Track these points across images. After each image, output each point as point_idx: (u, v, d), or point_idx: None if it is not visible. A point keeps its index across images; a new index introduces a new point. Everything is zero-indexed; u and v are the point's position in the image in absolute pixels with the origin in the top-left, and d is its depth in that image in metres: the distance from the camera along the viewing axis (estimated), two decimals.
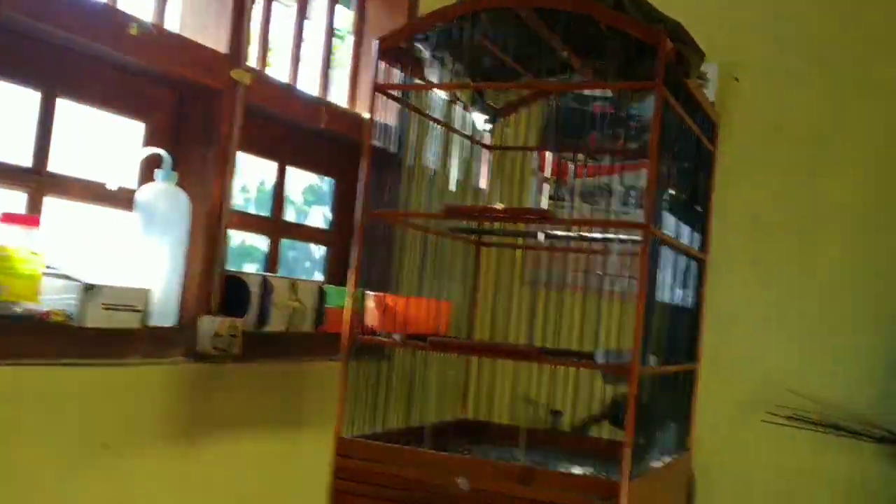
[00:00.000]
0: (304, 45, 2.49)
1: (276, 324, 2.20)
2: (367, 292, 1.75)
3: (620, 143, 2.88)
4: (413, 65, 1.74)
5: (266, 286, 2.17)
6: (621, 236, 1.62)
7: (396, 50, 1.72)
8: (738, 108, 2.88)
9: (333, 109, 2.49)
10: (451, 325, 1.89)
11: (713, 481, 2.80)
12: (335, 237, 2.67)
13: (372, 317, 1.72)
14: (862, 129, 2.79)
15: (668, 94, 1.59)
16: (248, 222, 2.41)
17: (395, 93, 1.71)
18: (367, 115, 1.70)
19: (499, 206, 1.56)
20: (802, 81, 2.87)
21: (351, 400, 1.70)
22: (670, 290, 1.75)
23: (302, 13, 2.50)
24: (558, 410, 2.86)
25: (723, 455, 2.82)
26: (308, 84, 2.50)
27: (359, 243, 1.69)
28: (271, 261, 2.47)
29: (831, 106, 2.83)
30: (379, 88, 1.70)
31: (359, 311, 1.70)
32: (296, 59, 2.46)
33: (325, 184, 2.69)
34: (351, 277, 1.70)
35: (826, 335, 2.77)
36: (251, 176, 2.48)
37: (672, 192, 1.75)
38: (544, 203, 3.02)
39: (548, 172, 3.04)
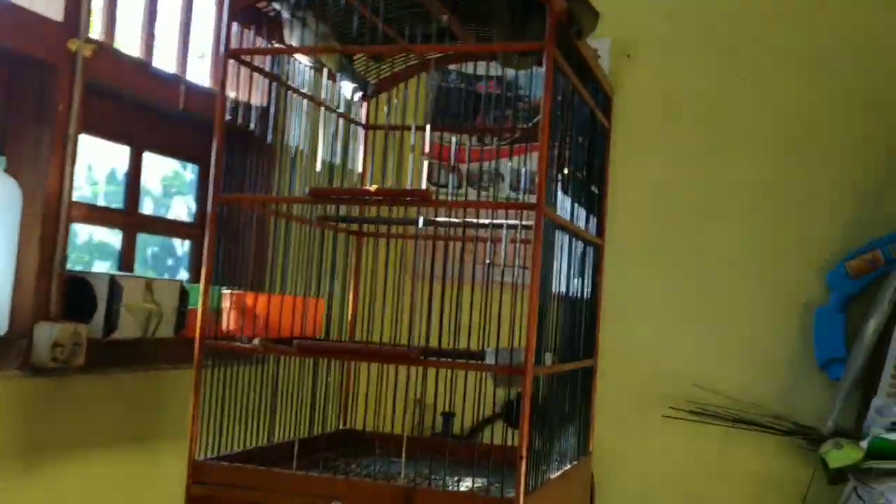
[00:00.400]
0: (159, 17, 2.23)
1: (128, 329, 1.95)
2: (225, 291, 1.52)
3: (509, 125, 2.71)
4: (273, 28, 1.52)
5: (114, 287, 1.91)
6: (511, 221, 1.43)
7: (252, 11, 1.50)
8: (631, 87, 2.74)
9: (194, 88, 2.24)
10: (325, 325, 1.67)
11: (614, 482, 2.65)
12: (201, 230, 2.42)
13: (229, 319, 1.49)
14: (761, 106, 2.67)
15: (560, 57, 1.41)
16: (96, 215, 2.14)
17: (258, 63, 1.49)
18: (230, 89, 1.47)
19: (372, 188, 1.35)
20: (699, 58, 2.74)
21: (207, 416, 1.47)
22: (566, 280, 1.58)
23: None
24: (450, 413, 2.69)
25: (624, 454, 2.68)
26: (165, 60, 2.24)
27: (210, 234, 1.47)
28: (126, 258, 2.21)
29: (729, 83, 2.70)
30: (232, 54, 1.48)
31: (212, 312, 1.47)
32: (149, 32, 2.20)
33: (189, 171, 2.43)
34: (203, 273, 1.47)
35: (729, 324, 2.65)
36: (101, 163, 2.21)
37: (566, 171, 1.57)
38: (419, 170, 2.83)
39: (433, 156, 2.85)
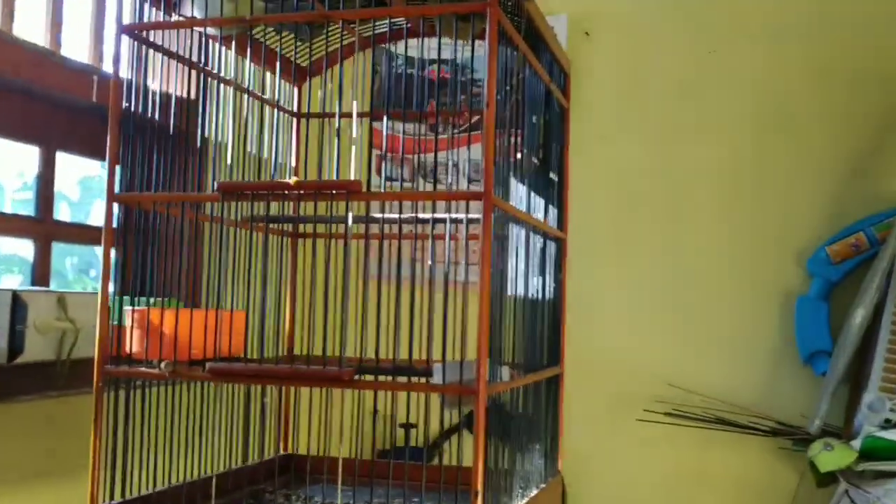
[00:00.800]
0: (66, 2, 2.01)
1: (36, 351, 1.73)
2: (126, 308, 1.30)
3: (464, 112, 2.51)
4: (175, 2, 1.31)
5: (17, 304, 1.69)
6: (458, 215, 1.23)
7: None
8: (592, 66, 2.55)
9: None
10: (258, 340, 1.47)
11: (588, 492, 2.46)
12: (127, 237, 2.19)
13: (132, 340, 1.28)
14: (732, 82, 2.48)
15: (506, 20, 1.21)
16: (3, 224, 1.92)
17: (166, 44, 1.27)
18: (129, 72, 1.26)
19: (292, 180, 1.15)
20: (663, 32, 2.55)
21: (113, 450, 1.26)
22: (524, 280, 1.38)
23: None
24: (410, 424, 2.48)
25: (598, 462, 2.49)
26: (77, 48, 2.02)
27: (106, 239, 1.25)
28: (39, 271, 1.99)
29: (697, 58, 2.52)
30: (126, 30, 1.27)
31: (109, 332, 1.26)
32: (56, 18, 1.98)
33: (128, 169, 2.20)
34: (100, 287, 1.26)
35: (704, 318, 2.46)
36: (6, 166, 1.99)
37: (519, 155, 1.38)
38: (378, 185, 2.62)
39: (378, 147, 2.65)
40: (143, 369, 1.24)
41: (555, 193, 1.58)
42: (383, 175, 2.66)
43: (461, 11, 1.17)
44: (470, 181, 2.60)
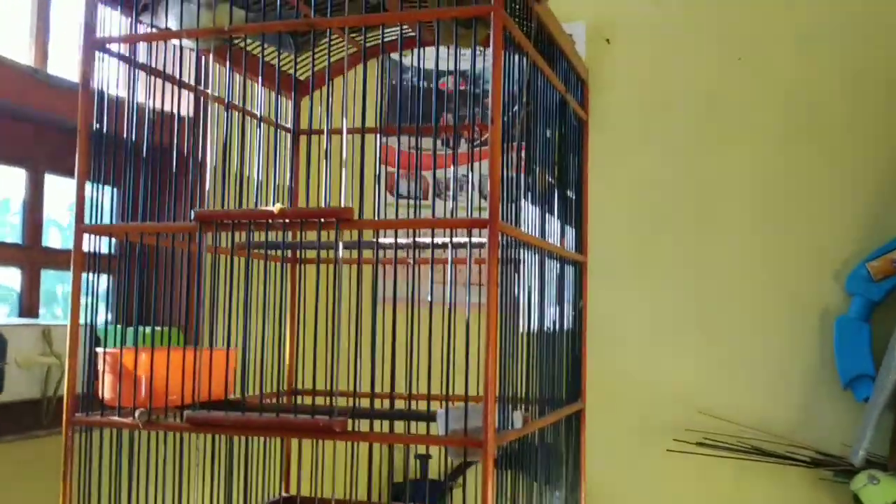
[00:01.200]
0: (53, 15, 1.90)
1: (18, 389, 1.62)
2: (97, 350, 1.18)
3: (479, 125, 2.39)
4: (152, 10, 1.19)
5: None
6: (461, 239, 1.10)
7: None
8: (612, 76, 2.41)
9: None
10: (257, 378, 1.34)
11: None
12: (122, 263, 2.08)
13: (104, 385, 1.16)
14: (761, 91, 2.34)
15: (513, 25, 1.08)
16: None
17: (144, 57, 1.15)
18: (121, 92, 1.15)
19: (275, 207, 1.02)
20: (687, 39, 2.41)
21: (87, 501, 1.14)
22: (540, 310, 1.24)
23: None
24: (426, 455, 2.35)
25: (623, 497, 2.34)
26: (65, 66, 1.91)
27: (75, 273, 1.14)
28: (28, 301, 1.88)
29: (723, 66, 2.37)
30: (95, 43, 1.15)
31: (79, 376, 1.14)
32: (41, 35, 1.87)
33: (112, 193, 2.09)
34: (69, 326, 1.15)
35: (736, 341, 2.31)
36: None
37: (532, 172, 1.25)
38: (384, 207, 2.50)
39: (391, 166, 2.53)
40: (115, 418, 1.12)
41: (573, 213, 1.45)
42: (396, 194, 2.54)
43: (463, 16, 1.04)
44: (484, 197, 2.48)
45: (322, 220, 1.05)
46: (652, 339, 2.37)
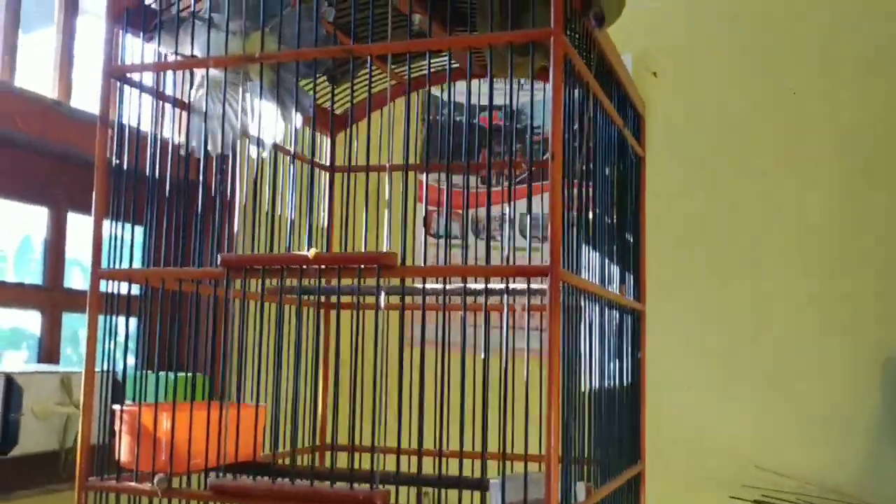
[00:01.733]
0: (78, 47, 1.82)
1: (35, 441, 1.52)
2: (115, 407, 1.08)
3: (519, 161, 2.28)
4: (175, 34, 1.09)
5: (12, 388, 1.48)
6: (518, 285, 0.99)
7: (143, 11, 1.08)
8: (659, 110, 2.30)
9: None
10: (290, 437, 1.23)
11: None
12: (147, 305, 1.98)
13: (121, 447, 1.06)
14: (818, 124, 2.21)
15: (573, 51, 0.98)
16: (6, 294, 1.72)
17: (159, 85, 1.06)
18: (135, 123, 1.06)
19: (310, 253, 0.92)
20: (738, 74, 2.29)
21: None
22: (600, 364, 1.13)
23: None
24: None
25: None
26: (89, 99, 1.83)
27: (91, 321, 1.04)
28: (48, 346, 1.78)
29: (775, 102, 2.25)
30: (114, 72, 1.06)
31: (90, 435, 1.04)
32: (65, 67, 1.79)
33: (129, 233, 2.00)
34: (84, 378, 1.04)
35: (794, 391, 2.17)
36: (9, 230, 1.79)
37: (590, 213, 1.13)
38: (421, 248, 2.39)
39: (428, 204, 2.43)
40: (132, 484, 1.01)
41: (630, 257, 1.34)
42: (439, 234, 2.44)
43: (519, 41, 0.93)
44: (524, 236, 2.37)
45: (362, 266, 0.95)
46: (704, 386, 2.23)
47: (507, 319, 0.95)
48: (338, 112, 1.56)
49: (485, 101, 1.08)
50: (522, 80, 2.32)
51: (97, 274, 1.04)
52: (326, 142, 1.55)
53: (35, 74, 1.74)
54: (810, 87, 2.23)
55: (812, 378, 2.16)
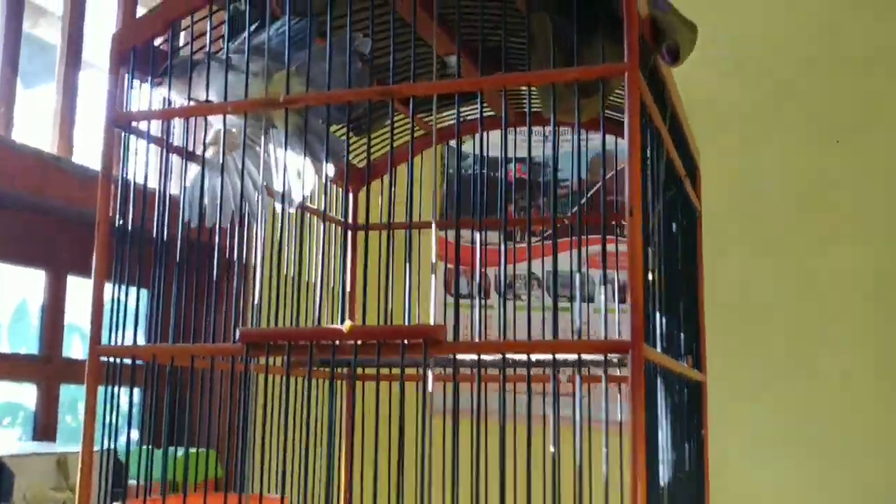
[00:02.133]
0: (81, 98, 1.71)
1: None
2: (119, 494, 0.94)
3: (547, 217, 2.16)
4: (188, 77, 0.97)
5: (2, 473, 1.33)
6: (593, 356, 0.85)
7: (152, 51, 0.95)
8: (704, 162, 2.16)
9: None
10: None
11: None
12: (153, 377, 1.84)
13: None
14: (865, 179, 2.08)
15: (647, 93, 0.85)
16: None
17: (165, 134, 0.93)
18: (141, 178, 0.94)
19: (345, 326, 0.78)
20: (779, 124, 2.17)
21: None
22: (670, 446, 0.98)
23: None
24: None
25: None
26: (90, 154, 1.71)
27: (89, 402, 0.90)
28: (44, 422, 1.64)
29: (820, 152, 2.13)
30: (118, 120, 0.93)
31: None
32: (65, 120, 1.67)
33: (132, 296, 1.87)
34: (80, 463, 0.90)
35: (849, 461, 2.00)
36: (3, 294, 1.66)
37: (653, 275, 1.00)
38: (439, 311, 2.25)
39: (448, 262, 2.30)
40: None
41: (691, 323, 1.20)
42: (462, 293, 2.30)
43: (587, 78, 0.80)
44: (552, 295, 2.23)
45: (406, 341, 0.81)
46: (752, 455, 2.07)
47: (580, 397, 0.81)
48: (358, 164, 1.43)
49: (507, 152, 0.95)
50: (546, 129, 2.20)
51: (96, 351, 0.90)
52: (341, 196, 1.43)
53: (35, 130, 1.63)
54: (856, 136, 2.10)
55: (868, 448, 2.00)
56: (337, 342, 0.83)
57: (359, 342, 0.82)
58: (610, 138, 0.88)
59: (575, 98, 0.84)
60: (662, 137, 0.93)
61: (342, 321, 0.86)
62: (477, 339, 0.81)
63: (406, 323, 0.85)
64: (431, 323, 0.84)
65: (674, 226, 1.04)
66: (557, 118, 0.84)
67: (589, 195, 2.21)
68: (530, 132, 1.45)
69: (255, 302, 0.91)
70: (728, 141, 2.19)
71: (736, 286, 2.13)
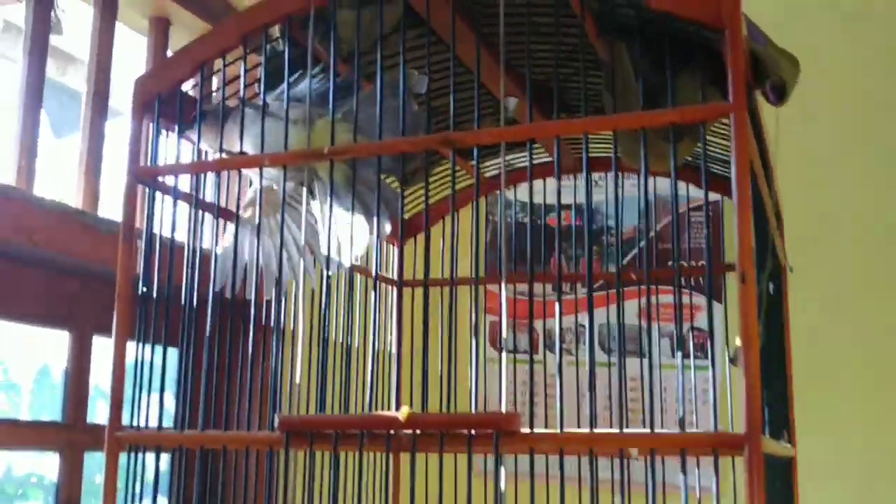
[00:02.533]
0: (107, 151, 1.61)
1: None
2: None
3: (597, 266, 2.04)
4: (219, 125, 0.86)
5: None
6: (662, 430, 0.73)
7: (179, 98, 0.85)
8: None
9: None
10: None
11: None
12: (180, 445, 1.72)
13: None
14: None
15: (752, 136, 0.73)
16: (20, 435, 1.47)
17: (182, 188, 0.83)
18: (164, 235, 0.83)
19: (401, 413, 0.66)
20: (850, 164, 2.03)
21: None
22: None
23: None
24: None
25: None
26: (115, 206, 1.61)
27: (109, 484, 0.78)
28: (67, 492, 1.53)
29: (888, 190, 1.99)
30: (140, 175, 0.82)
31: None
32: (91, 173, 1.58)
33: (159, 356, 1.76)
34: None
35: None
36: (23, 359, 1.56)
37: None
38: (498, 376, 2.12)
39: (491, 314, 2.18)
40: None
41: (784, 394, 1.07)
42: (514, 345, 2.18)
43: (688, 121, 0.68)
44: (604, 350, 2.11)
45: (473, 432, 0.69)
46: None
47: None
48: (406, 217, 1.32)
49: (552, 199, 0.83)
50: (597, 177, 2.08)
51: (114, 439, 0.78)
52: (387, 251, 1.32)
53: (59, 184, 1.54)
54: None
55: None
56: (392, 431, 0.71)
57: (417, 432, 0.70)
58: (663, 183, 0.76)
59: (664, 143, 0.73)
60: (765, 187, 0.81)
61: (396, 400, 0.74)
62: (558, 430, 0.68)
63: (472, 405, 0.73)
64: (502, 406, 0.72)
65: (771, 287, 0.91)
66: (649, 164, 0.72)
67: (641, 245, 2.09)
68: (588, 179, 1.34)
69: (297, 381, 0.80)
70: (792, 183, 2.06)
71: (805, 336, 1.98)
